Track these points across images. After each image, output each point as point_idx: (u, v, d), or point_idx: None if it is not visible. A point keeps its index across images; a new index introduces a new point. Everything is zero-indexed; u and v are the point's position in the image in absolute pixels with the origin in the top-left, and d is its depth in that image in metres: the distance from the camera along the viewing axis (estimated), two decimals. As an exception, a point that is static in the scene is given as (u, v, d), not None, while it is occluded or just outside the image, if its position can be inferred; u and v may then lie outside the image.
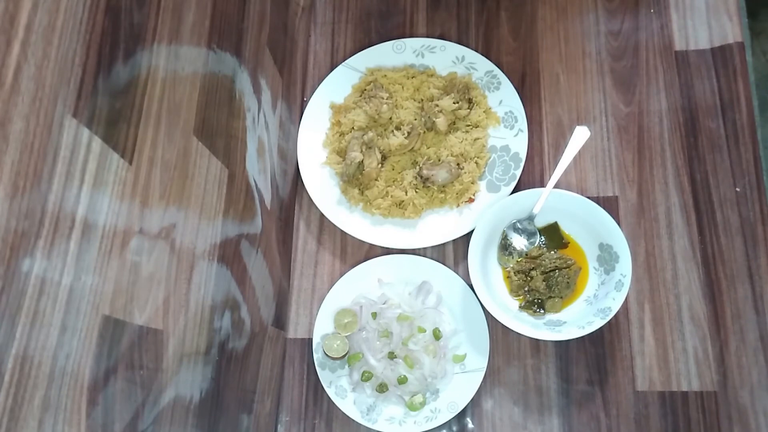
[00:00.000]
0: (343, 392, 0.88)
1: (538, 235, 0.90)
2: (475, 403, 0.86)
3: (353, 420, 0.86)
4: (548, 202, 0.88)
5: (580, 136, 0.89)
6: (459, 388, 0.86)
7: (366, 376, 0.86)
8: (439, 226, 0.93)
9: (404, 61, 1.03)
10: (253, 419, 0.80)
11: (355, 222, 0.95)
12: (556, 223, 0.90)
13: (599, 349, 0.87)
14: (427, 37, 1.04)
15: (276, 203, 0.90)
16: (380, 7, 1.08)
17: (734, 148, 0.92)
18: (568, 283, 0.86)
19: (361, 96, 1.00)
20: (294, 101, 1.01)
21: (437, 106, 0.94)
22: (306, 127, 1.01)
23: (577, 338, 0.81)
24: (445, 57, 1.01)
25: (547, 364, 0.87)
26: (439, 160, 0.94)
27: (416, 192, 0.94)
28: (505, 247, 0.90)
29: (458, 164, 0.94)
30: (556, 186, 0.88)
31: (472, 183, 0.94)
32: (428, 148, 0.96)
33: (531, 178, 0.95)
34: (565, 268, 0.87)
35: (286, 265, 0.95)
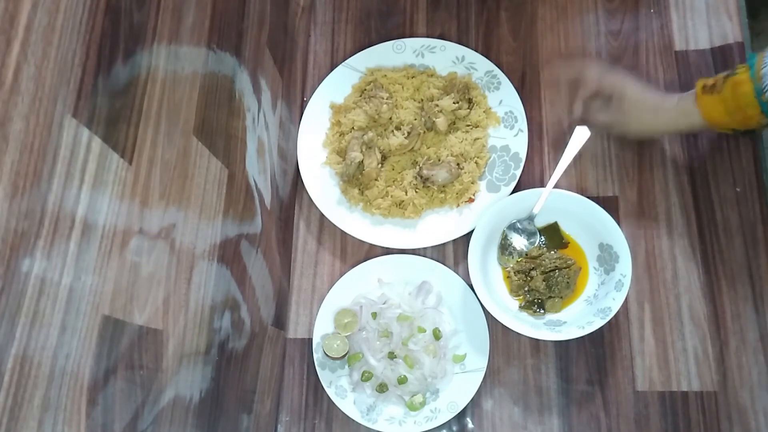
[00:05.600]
0: (343, 392, 0.88)
1: (538, 235, 0.90)
2: (475, 403, 0.86)
3: (353, 420, 0.86)
4: (548, 202, 0.88)
5: (580, 136, 0.89)
6: (459, 388, 0.86)
7: (366, 376, 0.86)
8: (439, 226, 0.93)
9: (404, 61, 1.03)
10: (253, 419, 0.80)
11: (355, 222, 0.95)
12: (556, 223, 0.90)
13: (599, 349, 0.87)
14: (427, 37, 1.04)
15: (276, 203, 0.90)
16: (380, 7, 1.08)
17: (734, 148, 0.91)
18: (568, 283, 0.86)
19: (361, 96, 1.00)
20: (294, 101, 1.01)
21: (437, 106, 0.94)
22: (306, 127, 1.01)
23: (577, 338, 0.81)
24: (445, 57, 1.01)
25: (547, 364, 0.87)
26: (439, 160, 0.94)
27: (416, 192, 0.94)
28: (505, 247, 0.90)
29: (458, 164, 0.94)
30: (556, 186, 0.88)
31: (472, 183, 0.94)
32: (428, 148, 0.96)
33: (531, 178, 0.95)
34: (565, 268, 0.87)
35: (286, 265, 0.95)
